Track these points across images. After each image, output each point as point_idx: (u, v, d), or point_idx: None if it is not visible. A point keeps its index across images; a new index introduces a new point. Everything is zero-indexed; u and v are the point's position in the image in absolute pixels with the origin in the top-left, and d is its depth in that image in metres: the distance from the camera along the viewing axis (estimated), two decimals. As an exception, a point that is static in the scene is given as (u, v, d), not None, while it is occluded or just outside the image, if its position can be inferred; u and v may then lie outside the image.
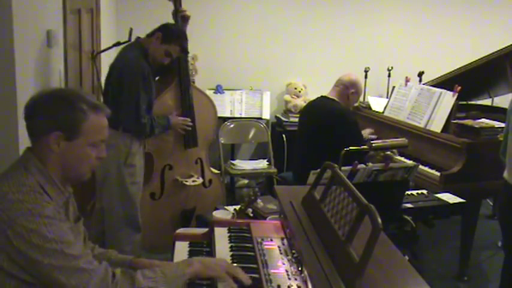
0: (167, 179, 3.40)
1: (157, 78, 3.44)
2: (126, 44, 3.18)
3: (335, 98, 3.42)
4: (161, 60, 3.00)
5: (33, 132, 1.48)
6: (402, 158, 3.61)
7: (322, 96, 3.50)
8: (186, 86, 3.30)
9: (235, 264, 1.64)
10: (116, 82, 2.93)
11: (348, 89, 3.42)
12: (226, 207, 2.58)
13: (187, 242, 1.90)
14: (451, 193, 3.00)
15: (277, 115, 5.08)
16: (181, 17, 3.24)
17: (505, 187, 2.54)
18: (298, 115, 4.34)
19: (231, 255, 1.72)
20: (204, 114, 3.47)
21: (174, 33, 2.99)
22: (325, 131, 3.31)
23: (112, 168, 2.94)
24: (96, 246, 1.75)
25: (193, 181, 3.44)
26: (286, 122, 4.86)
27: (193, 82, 4.68)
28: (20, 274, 1.36)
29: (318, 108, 3.45)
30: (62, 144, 1.44)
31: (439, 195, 2.96)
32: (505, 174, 2.56)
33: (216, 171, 3.71)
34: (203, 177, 3.54)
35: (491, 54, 3.49)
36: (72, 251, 1.37)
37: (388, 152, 3.30)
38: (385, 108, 4.11)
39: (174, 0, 3.26)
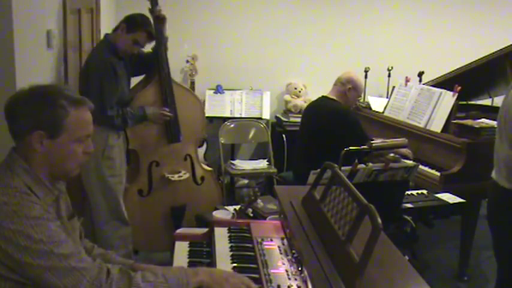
0: (155, 176, 3.39)
1: (144, 75, 3.46)
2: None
3: (335, 98, 3.43)
4: (131, 50, 3.04)
5: (15, 132, 1.45)
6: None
7: (323, 96, 3.51)
8: (166, 81, 3.28)
9: (234, 264, 1.64)
10: (82, 78, 3.00)
11: (345, 85, 3.42)
12: (226, 207, 2.59)
13: (187, 242, 1.90)
14: (451, 193, 3.00)
15: (277, 115, 5.07)
16: (155, 18, 3.20)
17: (493, 187, 2.53)
18: (298, 115, 4.34)
19: (231, 255, 1.72)
20: (189, 110, 3.43)
21: (137, 21, 3.01)
22: (326, 131, 3.31)
23: (90, 162, 2.94)
24: (95, 246, 1.73)
25: (179, 176, 3.42)
26: (286, 122, 4.86)
27: (193, 82, 4.71)
28: (13, 276, 1.34)
29: (319, 108, 3.46)
30: (46, 143, 1.41)
31: (439, 195, 2.96)
32: (493, 174, 2.54)
33: (209, 168, 3.65)
34: (194, 174, 3.52)
35: (491, 54, 3.49)
36: (62, 250, 1.35)
37: (392, 155, 3.31)
38: (385, 108, 4.11)
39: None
